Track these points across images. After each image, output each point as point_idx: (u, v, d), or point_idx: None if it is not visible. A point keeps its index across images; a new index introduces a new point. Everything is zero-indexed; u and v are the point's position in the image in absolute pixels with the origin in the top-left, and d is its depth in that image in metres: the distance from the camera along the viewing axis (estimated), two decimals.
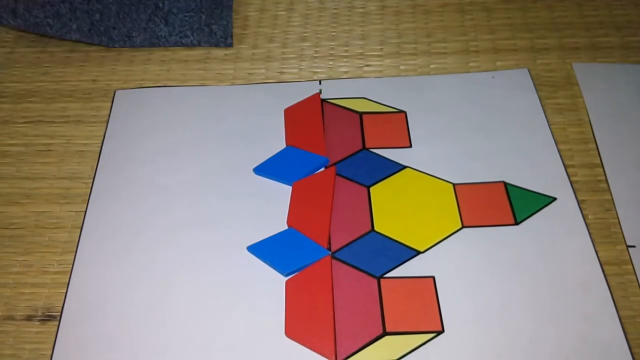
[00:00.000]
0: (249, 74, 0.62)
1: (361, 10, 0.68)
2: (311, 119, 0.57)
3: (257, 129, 0.57)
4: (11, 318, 0.47)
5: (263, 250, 0.49)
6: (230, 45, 0.65)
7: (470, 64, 0.62)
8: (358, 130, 0.56)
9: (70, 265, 0.49)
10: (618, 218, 0.50)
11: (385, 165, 0.54)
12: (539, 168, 0.53)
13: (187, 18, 0.65)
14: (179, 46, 0.64)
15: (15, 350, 0.45)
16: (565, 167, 0.53)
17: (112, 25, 0.63)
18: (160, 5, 0.65)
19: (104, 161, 0.55)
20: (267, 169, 0.54)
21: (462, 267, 0.47)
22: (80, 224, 0.51)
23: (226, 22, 0.65)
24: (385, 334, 0.45)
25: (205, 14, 0.65)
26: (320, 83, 0.60)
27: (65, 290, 0.48)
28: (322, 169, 0.54)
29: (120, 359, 0.44)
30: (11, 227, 0.52)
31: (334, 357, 0.44)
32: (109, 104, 0.60)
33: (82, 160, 0.56)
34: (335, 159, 0.54)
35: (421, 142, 0.55)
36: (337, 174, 0.53)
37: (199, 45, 0.64)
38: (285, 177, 0.53)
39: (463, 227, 0.50)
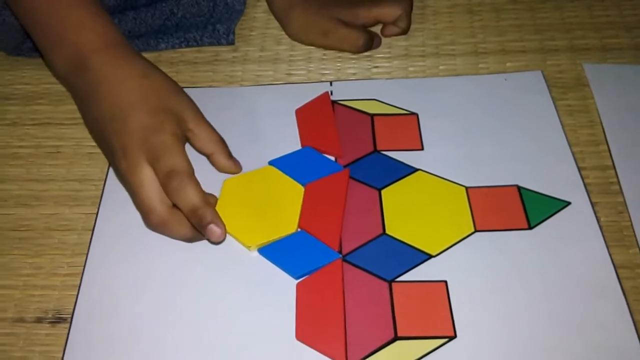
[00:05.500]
0: (257, 75, 0.62)
1: None
2: (323, 117, 0.57)
3: (267, 129, 0.57)
4: (21, 320, 0.47)
5: (274, 252, 0.49)
6: (232, 42, 0.64)
7: (480, 65, 0.61)
8: (369, 132, 0.56)
9: (81, 268, 0.49)
10: (631, 220, 0.50)
11: (397, 168, 0.53)
12: (552, 171, 0.53)
13: (197, 23, 0.65)
14: (184, 44, 0.64)
15: (25, 352, 0.45)
16: (580, 170, 0.53)
17: (129, 29, 0.63)
18: (175, 10, 0.65)
19: None
20: (283, 165, 0.53)
21: (475, 272, 0.47)
22: (91, 226, 0.51)
23: (230, 21, 0.65)
24: (396, 338, 0.44)
25: (215, 18, 0.65)
26: (331, 84, 0.60)
27: (75, 293, 0.48)
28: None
29: None
30: (21, 229, 0.52)
31: None
32: None
33: (92, 162, 0.56)
34: (346, 161, 0.54)
35: (433, 144, 0.55)
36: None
37: (202, 41, 0.64)
38: (299, 177, 0.53)
39: (475, 231, 0.49)
